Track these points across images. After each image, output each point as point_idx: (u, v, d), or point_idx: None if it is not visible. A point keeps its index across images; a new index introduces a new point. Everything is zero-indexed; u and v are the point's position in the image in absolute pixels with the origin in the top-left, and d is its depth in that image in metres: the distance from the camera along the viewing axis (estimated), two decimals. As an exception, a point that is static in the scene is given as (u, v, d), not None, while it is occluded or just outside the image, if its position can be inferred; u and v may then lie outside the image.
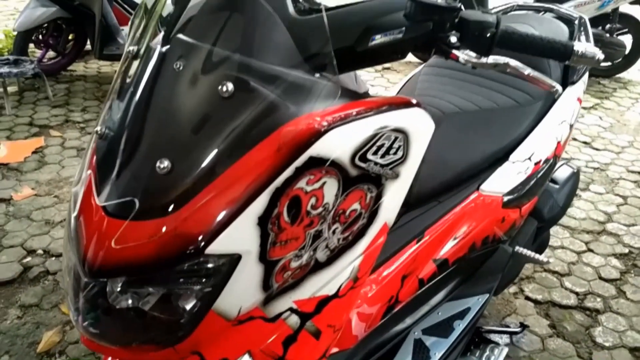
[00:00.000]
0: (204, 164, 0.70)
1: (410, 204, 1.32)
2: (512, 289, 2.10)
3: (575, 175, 1.77)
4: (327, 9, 0.90)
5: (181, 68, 0.75)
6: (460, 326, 1.37)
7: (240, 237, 0.70)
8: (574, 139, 3.39)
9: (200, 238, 0.69)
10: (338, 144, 0.73)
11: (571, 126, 1.57)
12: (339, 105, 0.76)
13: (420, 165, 1.32)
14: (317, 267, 0.81)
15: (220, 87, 0.70)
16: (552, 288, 2.11)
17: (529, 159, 1.42)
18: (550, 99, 1.52)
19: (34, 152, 2.87)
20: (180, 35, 0.78)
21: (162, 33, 0.80)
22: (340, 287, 0.85)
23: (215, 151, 0.70)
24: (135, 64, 0.80)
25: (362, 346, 1.22)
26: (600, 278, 2.19)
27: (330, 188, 0.75)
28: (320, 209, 0.75)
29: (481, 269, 1.47)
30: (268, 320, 0.79)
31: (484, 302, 1.46)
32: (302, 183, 0.72)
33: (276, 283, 0.77)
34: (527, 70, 0.90)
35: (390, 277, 1.22)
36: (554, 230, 2.46)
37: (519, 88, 1.50)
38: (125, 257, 0.70)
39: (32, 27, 3.56)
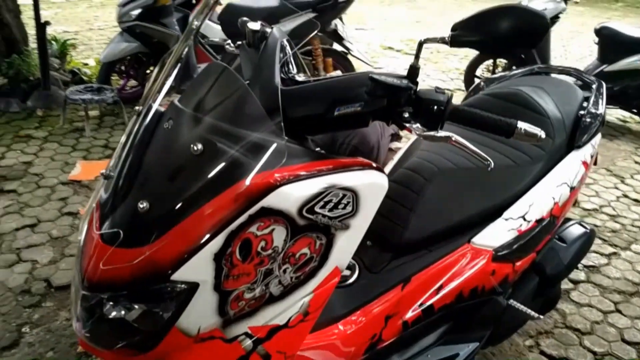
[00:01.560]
0: (175, 207, 0.87)
1: (399, 250, 1.44)
2: (528, 341, 2.12)
3: (586, 235, 1.80)
4: (304, 82, 1.06)
5: (169, 127, 0.93)
6: (444, 371, 1.45)
7: (199, 269, 0.86)
8: (625, 196, 3.33)
9: (167, 267, 0.86)
10: (287, 198, 0.89)
11: (572, 188, 1.62)
12: (294, 164, 0.91)
13: (410, 215, 1.44)
14: (272, 299, 0.96)
15: (192, 146, 0.87)
16: (570, 345, 2.11)
17: (523, 217, 1.50)
18: (551, 162, 1.59)
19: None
20: (175, 101, 0.98)
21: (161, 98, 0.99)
22: (290, 318, 0.98)
23: (185, 197, 0.87)
24: (140, 120, 1.00)
25: None
26: (623, 340, 2.16)
27: (279, 234, 0.90)
28: (270, 251, 0.90)
29: (473, 318, 1.55)
30: (226, 341, 0.94)
31: (473, 350, 1.53)
32: (253, 228, 0.87)
33: (232, 310, 0.92)
34: (468, 144, 1.00)
35: (373, 316, 1.34)
36: (583, 287, 2.45)
37: (519, 149, 1.58)
38: (110, 276, 0.88)
39: (116, 59, 3.97)
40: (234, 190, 0.87)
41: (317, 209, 0.92)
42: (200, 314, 0.90)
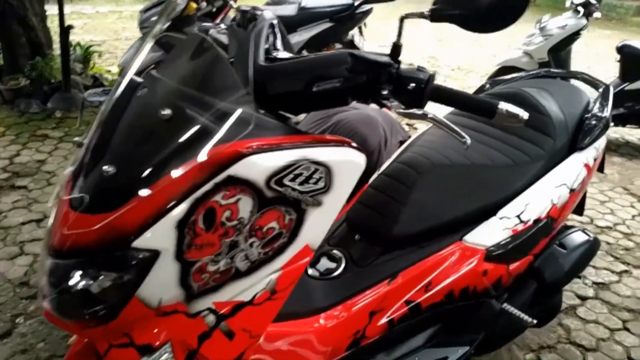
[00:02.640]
0: (140, 173, 0.86)
1: (388, 245, 1.41)
2: (529, 355, 2.05)
3: (589, 243, 1.73)
4: (286, 59, 1.06)
5: (142, 95, 0.93)
6: (431, 374, 1.40)
7: (161, 236, 0.85)
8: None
9: (129, 233, 0.84)
10: (255, 168, 0.87)
11: (572, 191, 1.57)
12: (266, 136, 0.90)
13: (400, 209, 1.41)
14: (238, 275, 0.94)
15: (160, 111, 0.86)
16: (572, 361, 2.04)
17: (518, 216, 1.45)
18: (552, 162, 1.55)
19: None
20: (152, 71, 0.97)
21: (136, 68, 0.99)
22: (255, 295, 0.96)
23: (151, 163, 0.86)
24: (115, 89, 0.99)
25: None
26: (630, 359, 2.07)
27: (245, 204, 0.88)
28: (235, 222, 0.88)
29: (464, 321, 1.50)
30: (189, 316, 0.92)
31: (463, 354, 1.48)
32: (218, 197, 0.86)
33: (195, 282, 0.90)
34: (445, 122, 0.98)
35: (356, 311, 1.30)
36: (591, 303, 2.37)
37: (519, 148, 1.54)
38: (74, 243, 0.87)
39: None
40: (202, 157, 0.85)
41: (286, 181, 0.90)
42: (161, 284, 0.88)
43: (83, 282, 0.86)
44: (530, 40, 4.28)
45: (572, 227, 1.81)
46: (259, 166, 0.87)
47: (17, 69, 4.15)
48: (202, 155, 0.85)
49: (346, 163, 0.98)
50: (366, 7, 3.90)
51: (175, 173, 0.85)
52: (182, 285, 0.89)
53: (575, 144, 1.61)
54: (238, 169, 0.86)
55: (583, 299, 2.40)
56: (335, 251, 1.43)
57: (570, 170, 1.58)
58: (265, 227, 0.92)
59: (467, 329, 1.51)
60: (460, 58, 6.86)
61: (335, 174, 0.96)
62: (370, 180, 1.57)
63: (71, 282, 0.87)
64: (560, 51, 4.23)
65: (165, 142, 0.87)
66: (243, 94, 0.91)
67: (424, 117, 0.97)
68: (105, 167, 0.86)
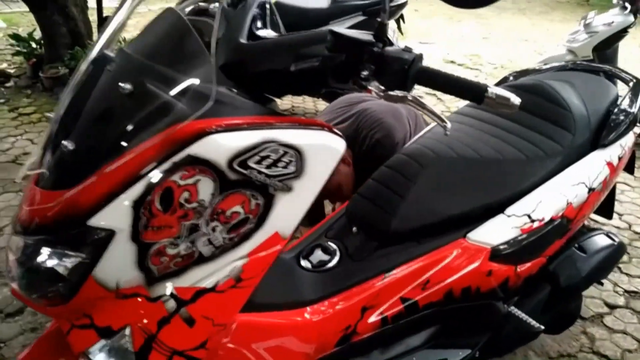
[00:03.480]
0: (99, 149, 0.83)
1: (385, 239, 1.34)
2: (547, 364, 1.95)
3: (612, 248, 1.62)
4: (267, 38, 1.01)
5: (109, 69, 0.90)
6: (428, 376, 1.33)
7: (116, 215, 0.82)
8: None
9: (85, 211, 0.82)
10: (216, 148, 0.83)
11: (592, 190, 1.47)
12: (234, 115, 0.86)
13: (400, 203, 1.35)
14: (201, 260, 0.90)
15: (121, 85, 0.83)
16: (594, 372, 1.92)
17: (528, 215, 1.36)
18: (570, 159, 1.45)
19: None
20: (124, 48, 0.95)
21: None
22: (218, 282, 0.92)
23: (110, 140, 0.84)
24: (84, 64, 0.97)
25: None
26: (658, 374, 1.94)
27: (205, 186, 0.84)
28: (194, 204, 0.84)
29: (467, 322, 1.42)
30: (150, 300, 0.89)
31: (465, 357, 1.40)
32: (176, 177, 0.82)
33: (154, 266, 0.86)
34: (425, 104, 0.92)
35: (347, 305, 1.25)
36: (620, 312, 2.23)
37: (533, 143, 1.45)
38: (34, 218, 0.85)
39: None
40: (161, 134, 0.82)
41: (251, 163, 0.86)
42: (118, 265, 0.85)
43: (39, 260, 0.84)
44: (574, 37, 4.08)
45: (595, 229, 1.70)
46: (220, 146, 0.83)
47: (57, 58, 4.25)
48: (161, 132, 0.81)
49: (320, 147, 0.93)
50: (401, 0, 3.80)
51: (133, 150, 0.82)
52: (140, 267, 0.86)
53: (597, 141, 1.50)
54: (198, 148, 0.82)
55: (612, 307, 2.27)
56: (330, 243, 1.37)
57: (590, 168, 1.47)
58: (229, 211, 0.88)
59: (469, 331, 1.44)
60: (505, 56, 6.65)
61: (307, 159, 0.91)
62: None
63: (31, 260, 0.85)
64: (606, 49, 4.02)
65: (125, 117, 0.84)
66: (209, 71, 0.87)
67: (404, 99, 0.91)
68: (64, 143, 0.83)
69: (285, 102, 4.41)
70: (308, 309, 1.20)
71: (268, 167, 0.87)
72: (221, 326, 0.94)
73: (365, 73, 0.92)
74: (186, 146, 0.81)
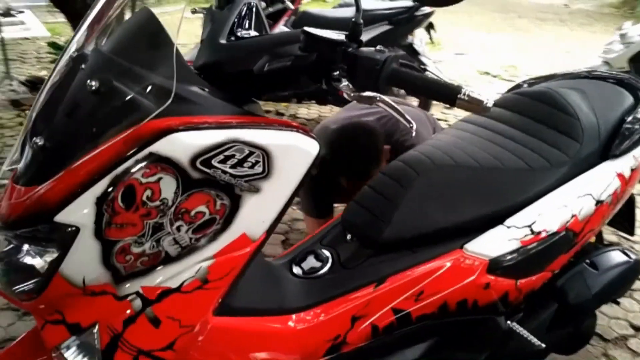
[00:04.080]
0: (66, 146, 0.84)
1: (379, 247, 1.31)
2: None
3: (627, 265, 1.53)
4: (242, 38, 1.01)
5: (82, 67, 0.91)
6: (423, 390, 1.29)
7: (80, 212, 0.82)
8: None
9: (53, 207, 0.82)
10: (179, 146, 0.82)
11: (600, 202, 1.39)
12: (201, 114, 0.85)
13: (394, 211, 1.31)
14: (168, 260, 0.89)
15: (88, 82, 0.84)
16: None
17: (529, 227, 1.31)
18: (576, 169, 1.38)
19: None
20: (100, 46, 0.96)
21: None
22: (183, 282, 0.91)
23: (77, 137, 0.84)
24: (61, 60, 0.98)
25: None
26: (682, 402, 1.82)
27: (168, 185, 0.84)
28: (157, 202, 0.84)
29: (466, 337, 1.37)
30: (117, 298, 0.89)
31: (460, 373, 1.35)
32: (138, 174, 0.82)
33: (119, 264, 0.86)
34: (393, 105, 0.89)
35: (336, 314, 1.23)
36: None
37: (537, 152, 1.39)
38: (9, 214, 0.87)
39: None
40: (125, 132, 0.82)
41: (215, 162, 0.85)
42: (83, 262, 0.85)
43: (11, 254, 0.86)
44: (609, 47, 3.95)
45: (610, 245, 1.62)
46: (183, 144, 0.83)
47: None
48: (126, 130, 0.82)
49: (290, 148, 0.92)
50: (426, 9, 3.76)
51: (99, 147, 0.82)
52: (105, 265, 0.86)
53: (608, 151, 1.43)
54: (160, 146, 0.82)
55: (638, 329, 2.15)
56: (324, 250, 1.35)
57: (598, 179, 1.40)
58: (193, 211, 0.87)
59: (468, 346, 1.38)
60: (542, 67, 6.49)
61: (275, 160, 0.89)
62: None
63: (5, 253, 0.86)
64: (643, 61, 3.88)
65: (91, 115, 0.85)
66: (180, 69, 0.87)
67: (372, 100, 0.88)
68: (35, 139, 0.85)
69: (308, 112, 4.41)
70: (293, 316, 1.18)
71: (233, 166, 0.86)
72: (189, 328, 0.93)
73: (336, 73, 0.90)
74: (149, 144, 0.81)
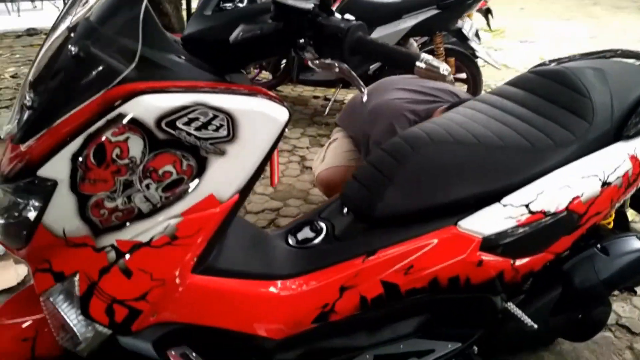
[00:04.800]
0: (51, 107, 0.92)
1: (372, 222, 1.33)
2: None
3: (642, 252, 1.47)
4: (225, 10, 1.06)
5: (72, 36, 0.99)
6: (413, 365, 1.31)
7: (58, 167, 0.91)
8: None
9: (36, 162, 0.91)
10: (145, 107, 0.89)
11: (607, 184, 1.34)
12: (171, 80, 0.92)
13: (388, 186, 1.33)
14: (140, 216, 0.96)
15: (69, 46, 0.91)
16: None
17: (526, 206, 1.29)
18: (583, 150, 1.34)
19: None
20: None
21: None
22: (153, 237, 0.97)
23: (59, 98, 0.92)
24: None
25: (295, 343, 1.28)
26: None
27: (135, 144, 0.91)
28: (126, 160, 0.91)
29: (460, 315, 1.37)
30: (96, 250, 0.97)
31: (452, 351, 1.36)
32: (108, 133, 0.89)
33: (95, 217, 0.94)
34: (351, 71, 0.92)
35: (325, 283, 1.26)
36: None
37: (542, 130, 1.36)
38: (4, 169, 0.97)
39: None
40: (100, 94, 0.89)
41: (179, 124, 0.91)
42: (62, 213, 0.93)
43: (3, 205, 0.95)
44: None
45: (628, 232, 1.56)
46: (149, 106, 0.89)
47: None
48: (100, 92, 0.89)
49: (256, 114, 0.96)
50: (475, -6, 3.67)
51: (77, 108, 0.90)
52: (82, 218, 0.93)
53: (620, 131, 1.38)
54: (128, 107, 0.88)
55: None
56: (320, 222, 1.39)
57: (607, 160, 1.35)
58: (161, 170, 0.93)
59: (460, 323, 1.38)
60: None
61: (240, 124, 0.94)
62: None
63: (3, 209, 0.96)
64: None
65: (70, 78, 0.92)
66: (158, 37, 0.93)
67: (331, 66, 0.91)
68: (25, 100, 0.93)
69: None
70: (279, 282, 1.23)
71: (197, 129, 0.92)
72: (159, 281, 0.99)
73: (302, 41, 0.93)
74: (119, 105, 0.88)
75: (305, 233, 1.36)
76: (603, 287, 1.44)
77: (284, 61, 4.47)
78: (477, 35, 3.94)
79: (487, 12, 4.38)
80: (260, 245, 1.31)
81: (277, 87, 4.66)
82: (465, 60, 3.90)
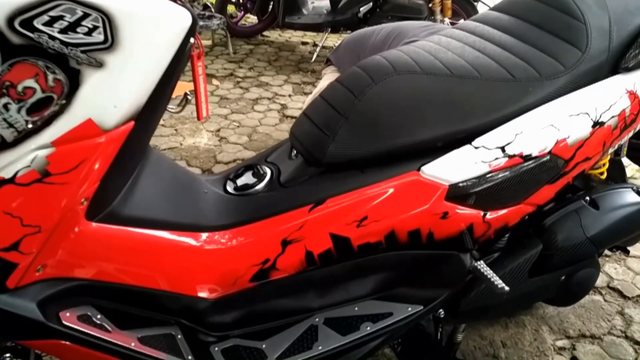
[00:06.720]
0: None
1: (321, 165, 1.14)
2: (561, 342, 1.64)
3: (638, 206, 1.28)
4: None
5: None
6: (367, 329, 1.14)
7: None
8: None
9: None
10: None
11: (599, 124, 1.14)
12: None
13: (341, 124, 1.13)
14: (4, 146, 0.76)
15: None
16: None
17: (502, 148, 1.09)
18: (574, 83, 1.13)
19: (186, 94, 3.23)
20: None
21: None
22: (17, 173, 0.78)
23: None
24: None
25: (231, 304, 1.12)
26: None
27: None
28: None
29: (424, 276, 1.19)
30: None
31: (412, 314, 1.18)
32: None
33: None
34: None
35: (264, 236, 1.09)
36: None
37: (527, 60, 1.14)
38: None
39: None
40: None
41: (38, 24, 0.70)
42: None
43: None
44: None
45: (622, 184, 1.37)
46: None
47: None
48: None
49: (144, 15, 0.75)
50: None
51: None
52: None
53: (618, 64, 1.16)
54: None
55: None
56: (264, 166, 1.20)
57: (600, 95, 1.14)
58: (20, 86, 0.73)
59: (423, 284, 1.20)
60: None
61: (120, 26, 0.73)
62: None
63: None
64: None
65: None
66: None
67: None
68: None
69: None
70: (207, 234, 1.05)
71: (62, 31, 0.71)
72: (34, 228, 0.81)
73: None
74: None
75: (247, 179, 1.17)
76: (590, 246, 1.25)
77: (271, 5, 4.21)
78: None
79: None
80: (188, 192, 1.12)
81: (263, 32, 4.42)
82: (463, 3, 3.64)
